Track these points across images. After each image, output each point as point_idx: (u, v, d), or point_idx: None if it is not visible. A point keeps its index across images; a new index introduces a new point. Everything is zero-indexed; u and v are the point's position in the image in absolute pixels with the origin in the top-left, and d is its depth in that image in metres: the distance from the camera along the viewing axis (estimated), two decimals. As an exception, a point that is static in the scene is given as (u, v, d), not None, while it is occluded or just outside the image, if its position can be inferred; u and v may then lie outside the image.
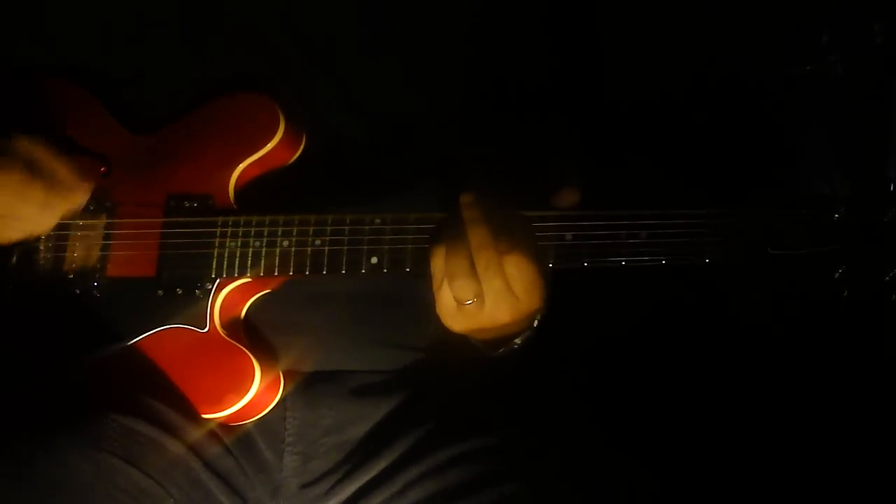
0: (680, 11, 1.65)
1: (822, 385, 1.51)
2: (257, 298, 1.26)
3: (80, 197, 1.23)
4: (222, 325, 1.22)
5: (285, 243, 1.19)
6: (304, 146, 1.28)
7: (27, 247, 1.26)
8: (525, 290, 1.06)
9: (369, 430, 1.26)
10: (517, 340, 1.16)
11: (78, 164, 1.22)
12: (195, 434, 1.21)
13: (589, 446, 1.23)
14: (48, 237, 1.26)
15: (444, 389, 1.28)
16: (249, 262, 1.20)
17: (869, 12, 1.57)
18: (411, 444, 1.23)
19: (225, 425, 1.22)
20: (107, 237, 1.25)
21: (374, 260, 1.16)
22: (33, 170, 1.18)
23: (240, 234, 1.21)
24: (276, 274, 1.19)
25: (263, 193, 1.25)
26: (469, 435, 1.21)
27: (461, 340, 1.16)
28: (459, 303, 1.07)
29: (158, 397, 1.20)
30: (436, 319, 1.11)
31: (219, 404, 1.19)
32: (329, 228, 1.18)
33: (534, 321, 1.14)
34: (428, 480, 1.18)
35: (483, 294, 1.06)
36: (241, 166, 1.24)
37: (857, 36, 1.57)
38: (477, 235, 1.06)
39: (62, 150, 1.21)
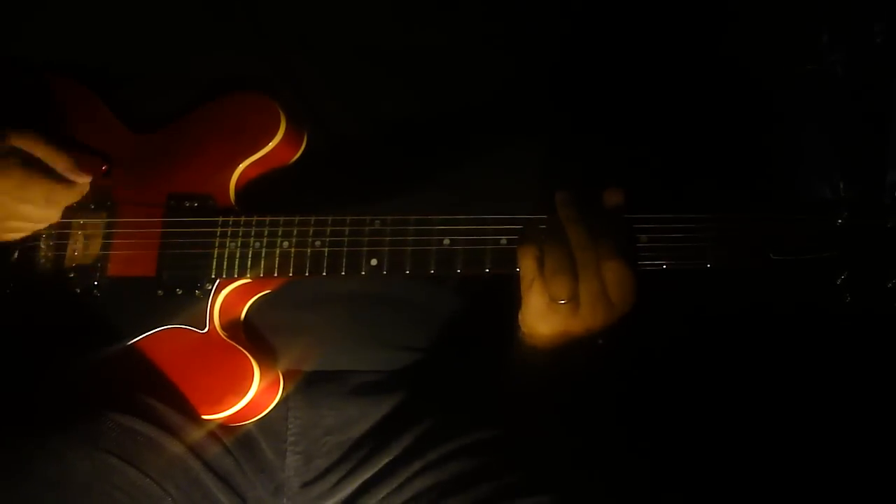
0: (680, 12, 1.65)
1: (823, 391, 1.51)
2: (257, 299, 1.26)
3: (80, 187, 1.24)
4: (222, 326, 1.21)
5: (285, 244, 1.19)
6: (305, 146, 1.27)
7: (28, 245, 1.26)
8: (621, 297, 1.05)
9: (370, 428, 1.26)
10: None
11: (77, 153, 1.22)
12: (194, 434, 1.20)
13: (587, 438, 1.23)
14: (48, 236, 1.26)
15: (445, 388, 1.28)
16: (249, 262, 1.20)
17: (869, 12, 1.57)
18: (412, 441, 1.23)
19: (225, 426, 1.22)
20: (107, 236, 1.25)
21: (373, 262, 1.16)
22: (31, 167, 1.19)
23: (240, 234, 1.20)
24: (275, 275, 1.19)
25: (264, 194, 1.25)
26: (469, 429, 1.21)
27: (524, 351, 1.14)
28: (554, 300, 1.05)
29: (158, 397, 1.20)
30: (512, 325, 1.10)
31: (218, 405, 1.19)
32: (329, 229, 1.18)
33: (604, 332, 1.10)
34: (428, 473, 1.19)
35: (579, 296, 1.04)
36: (242, 166, 1.24)
37: (857, 36, 1.57)
38: (577, 234, 1.04)
39: (58, 140, 1.21)
